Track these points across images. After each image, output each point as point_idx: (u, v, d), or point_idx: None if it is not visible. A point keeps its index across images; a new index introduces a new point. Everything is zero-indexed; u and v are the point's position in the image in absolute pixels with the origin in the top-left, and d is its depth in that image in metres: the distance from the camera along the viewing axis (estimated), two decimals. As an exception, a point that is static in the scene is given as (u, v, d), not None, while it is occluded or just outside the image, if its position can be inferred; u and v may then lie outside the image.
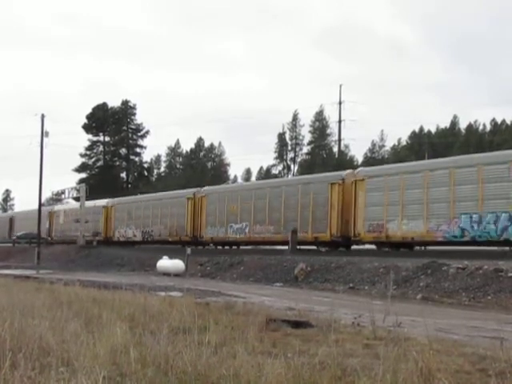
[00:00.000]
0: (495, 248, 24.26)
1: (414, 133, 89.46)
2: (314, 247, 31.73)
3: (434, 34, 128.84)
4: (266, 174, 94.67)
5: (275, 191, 34.33)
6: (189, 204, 40.16)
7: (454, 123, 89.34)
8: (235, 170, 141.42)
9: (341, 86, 78.01)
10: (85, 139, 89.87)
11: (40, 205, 47.74)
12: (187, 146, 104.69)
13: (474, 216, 24.23)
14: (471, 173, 24.57)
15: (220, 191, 39.59)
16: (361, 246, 30.08)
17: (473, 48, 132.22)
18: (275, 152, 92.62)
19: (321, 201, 30.95)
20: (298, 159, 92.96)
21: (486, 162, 24.57)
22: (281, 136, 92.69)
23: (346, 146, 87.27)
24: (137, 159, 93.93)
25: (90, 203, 50.74)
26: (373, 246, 29.33)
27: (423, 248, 28.05)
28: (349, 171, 32.10)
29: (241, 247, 36.80)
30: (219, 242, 37.82)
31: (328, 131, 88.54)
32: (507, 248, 23.22)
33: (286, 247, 32.20)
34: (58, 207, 61.07)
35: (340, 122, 78.91)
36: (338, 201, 30.04)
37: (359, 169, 31.82)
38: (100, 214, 49.90)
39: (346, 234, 29.72)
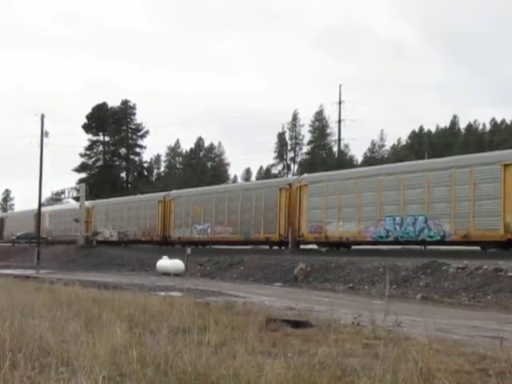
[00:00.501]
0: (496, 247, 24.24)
1: (413, 133, 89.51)
2: (271, 246, 34.06)
3: (433, 34, 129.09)
4: (265, 173, 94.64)
5: (233, 195, 36.85)
6: (159, 206, 42.90)
7: (454, 123, 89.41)
8: (235, 170, 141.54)
9: (341, 86, 77.97)
10: (85, 139, 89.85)
11: (40, 205, 47.77)
12: (187, 145, 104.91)
13: (397, 218, 26.75)
14: (394, 180, 27.10)
15: (186, 195, 42.01)
16: (307, 246, 32.20)
17: (473, 48, 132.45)
18: (275, 152, 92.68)
19: (271, 204, 33.38)
20: (298, 159, 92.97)
21: (405, 171, 27.29)
22: (281, 136, 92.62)
23: (346, 146, 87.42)
24: (137, 159, 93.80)
25: (75, 204, 53.07)
26: (315, 246, 31.60)
27: (423, 248, 28.11)
28: (295, 177, 34.83)
29: (206, 247, 39.12)
30: (186, 242, 39.40)
31: (328, 131, 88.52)
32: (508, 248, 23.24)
33: (242, 247, 34.90)
34: (44, 209, 61.52)
35: (340, 121, 78.85)
36: (286, 204, 32.43)
37: (303, 175, 34.36)
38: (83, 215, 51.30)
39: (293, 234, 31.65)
